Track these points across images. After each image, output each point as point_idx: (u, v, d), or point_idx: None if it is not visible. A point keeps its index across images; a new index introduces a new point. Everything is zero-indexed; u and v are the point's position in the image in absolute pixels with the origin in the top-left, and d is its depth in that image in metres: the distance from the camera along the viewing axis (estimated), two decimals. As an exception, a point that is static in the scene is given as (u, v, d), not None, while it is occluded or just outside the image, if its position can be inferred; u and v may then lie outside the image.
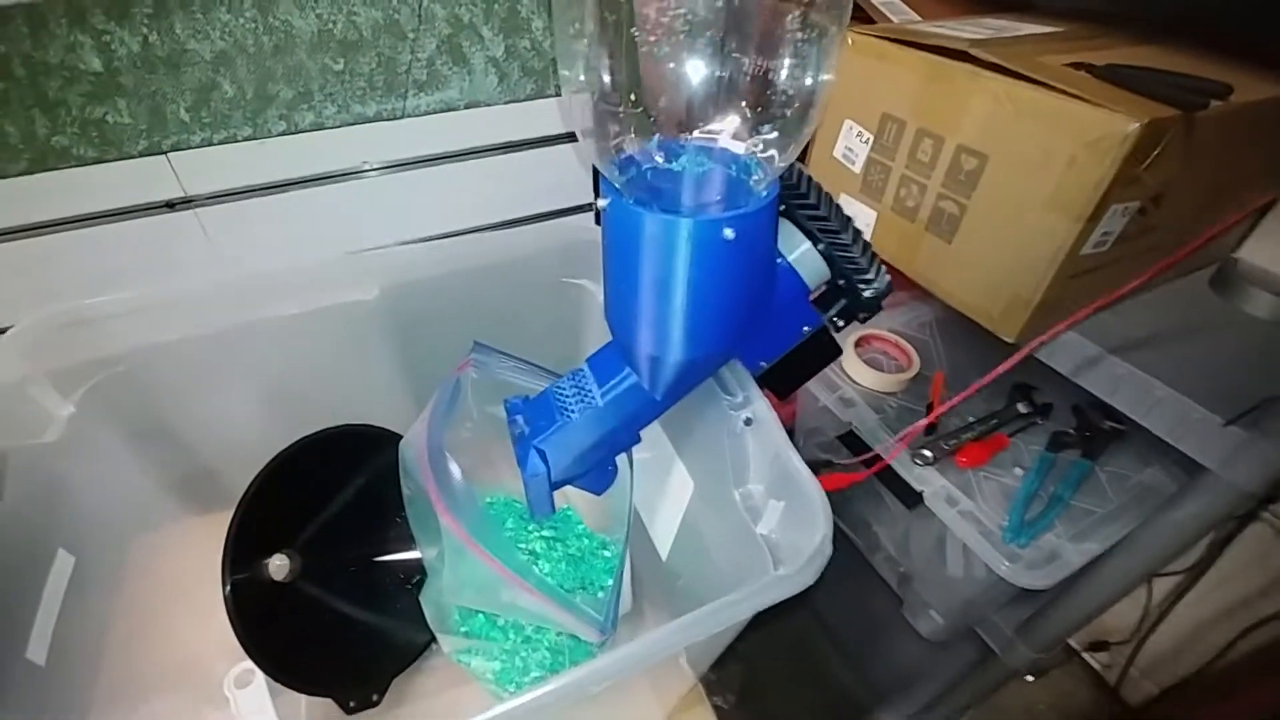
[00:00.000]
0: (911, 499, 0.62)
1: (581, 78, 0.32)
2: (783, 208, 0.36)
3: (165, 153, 0.49)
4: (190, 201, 0.52)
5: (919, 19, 0.67)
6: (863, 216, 0.66)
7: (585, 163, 0.33)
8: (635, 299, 0.32)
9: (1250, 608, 0.77)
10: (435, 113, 0.56)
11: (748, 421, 0.37)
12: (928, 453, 0.62)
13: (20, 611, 0.46)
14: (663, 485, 0.48)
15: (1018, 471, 0.63)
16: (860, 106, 0.60)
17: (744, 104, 0.31)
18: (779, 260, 0.35)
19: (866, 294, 0.36)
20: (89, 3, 0.43)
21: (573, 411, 0.36)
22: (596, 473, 0.39)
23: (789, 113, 0.31)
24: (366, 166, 0.56)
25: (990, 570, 0.56)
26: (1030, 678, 0.87)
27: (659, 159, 0.32)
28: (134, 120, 0.48)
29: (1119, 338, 0.54)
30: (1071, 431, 0.66)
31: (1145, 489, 0.62)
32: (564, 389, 0.38)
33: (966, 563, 0.68)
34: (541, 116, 0.59)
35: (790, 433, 0.77)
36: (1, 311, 0.51)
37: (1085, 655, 0.98)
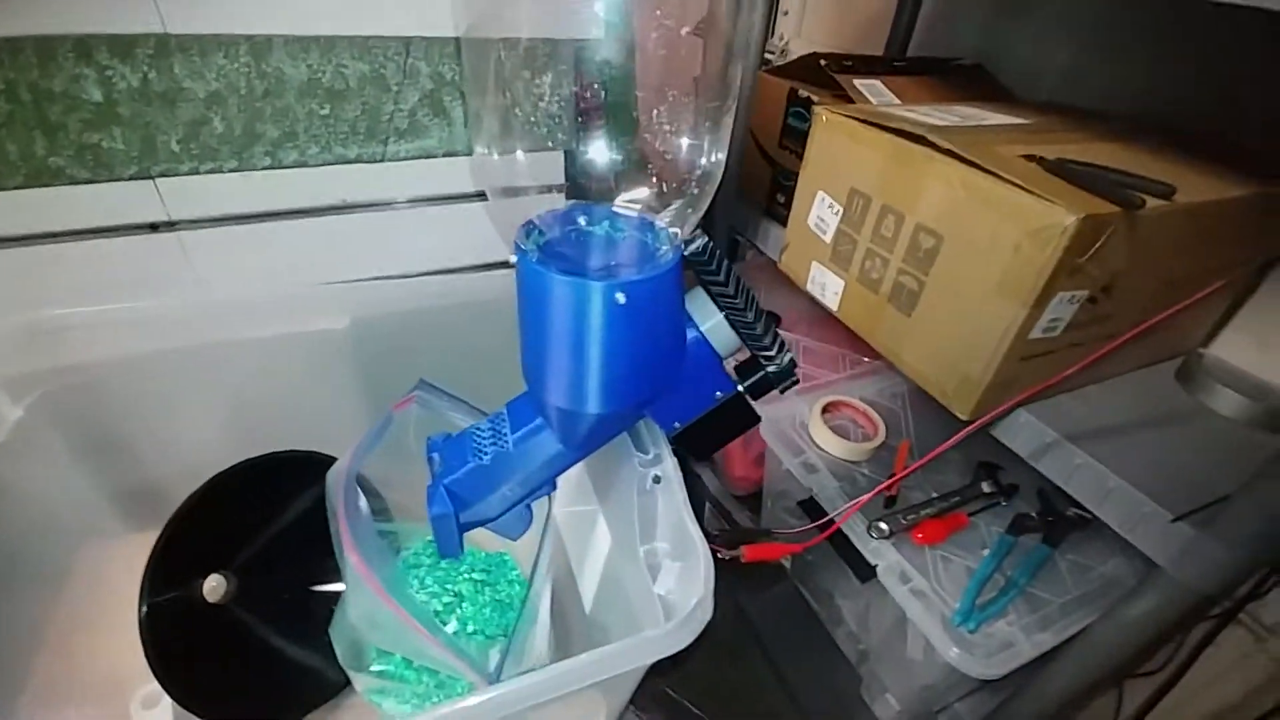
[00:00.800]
0: (865, 572, 0.61)
1: (495, 150, 0.33)
2: (699, 281, 0.37)
3: (153, 178, 0.52)
4: (173, 225, 0.55)
5: (897, 103, 0.70)
6: (831, 284, 0.67)
7: (495, 223, 0.35)
8: (543, 352, 0.33)
9: (1229, 717, 0.73)
10: (414, 159, 0.58)
11: (656, 479, 0.37)
12: (884, 525, 0.61)
13: None
14: (588, 537, 0.48)
15: (983, 553, 0.62)
16: (831, 180, 0.62)
17: (653, 177, 0.33)
18: (693, 330, 0.36)
19: (769, 369, 0.36)
20: (96, 40, 0.47)
21: (485, 454, 0.37)
22: (512, 517, 0.39)
23: (691, 188, 0.32)
24: (345, 204, 0.58)
25: (944, 655, 0.54)
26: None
27: (581, 221, 0.33)
28: (126, 147, 0.50)
29: (1078, 424, 0.54)
30: (1034, 515, 0.65)
31: (1107, 581, 0.61)
32: (481, 431, 0.38)
33: (926, 646, 0.66)
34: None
35: (758, 495, 0.76)
36: None
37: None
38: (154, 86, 0.49)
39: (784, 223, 0.71)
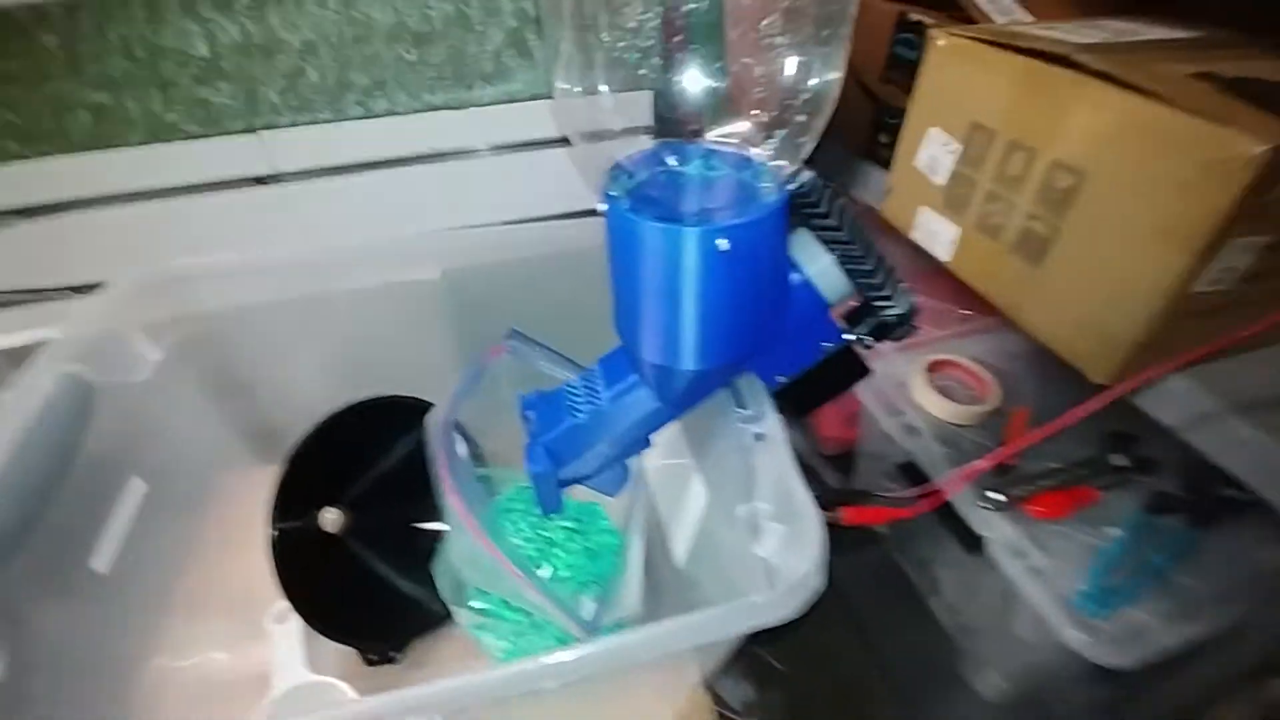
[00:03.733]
0: (972, 544, 0.57)
1: (578, 88, 0.31)
2: (802, 222, 0.34)
3: (257, 130, 0.54)
4: (278, 178, 0.57)
5: (1031, 20, 0.61)
6: (944, 232, 0.61)
7: (580, 169, 0.33)
8: (636, 306, 0.31)
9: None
10: (500, 103, 0.57)
11: (758, 437, 0.34)
12: (996, 495, 0.56)
13: (89, 526, 0.52)
14: (682, 493, 0.47)
15: (1109, 531, 0.56)
16: (948, 114, 0.55)
17: (750, 108, 0.29)
18: (797, 275, 0.33)
19: (887, 316, 0.32)
20: (198, -8, 0.48)
21: (580, 411, 0.36)
22: (609, 474, 0.39)
23: (797, 116, 0.28)
24: (434, 152, 0.58)
25: (1063, 637, 0.50)
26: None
27: (672, 162, 0.30)
28: (233, 101, 0.52)
29: (1241, 394, 0.46)
30: (1178, 494, 0.57)
31: (1264, 572, 0.53)
32: (575, 388, 0.38)
33: (1037, 625, 0.61)
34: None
35: (850, 455, 0.72)
36: (112, 268, 0.58)
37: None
38: (254, 38, 0.50)
39: (886, 165, 0.65)
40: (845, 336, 0.34)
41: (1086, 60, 0.43)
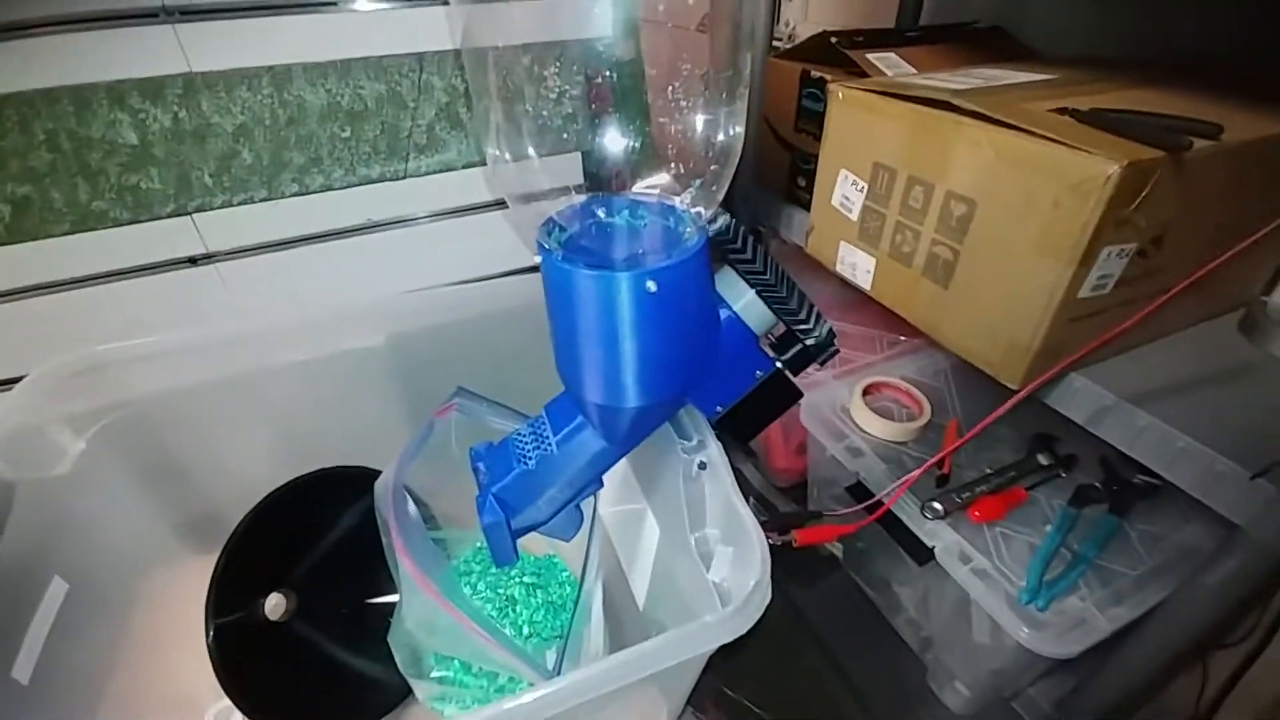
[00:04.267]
0: (922, 555, 0.59)
1: (508, 155, 0.34)
2: (725, 261, 0.36)
3: (190, 214, 0.54)
4: (211, 257, 0.56)
5: (914, 72, 0.68)
6: (862, 263, 0.65)
7: (516, 228, 0.35)
8: (576, 350, 0.33)
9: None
10: (436, 173, 0.59)
11: (702, 465, 0.36)
12: (938, 505, 0.59)
13: (8, 633, 0.49)
14: (637, 533, 0.48)
15: (1045, 528, 0.60)
16: (854, 157, 0.61)
17: (669, 162, 0.32)
18: (725, 310, 0.35)
19: (809, 343, 0.35)
20: (127, 85, 0.49)
21: (530, 459, 0.37)
22: (563, 518, 0.39)
23: (710, 166, 0.31)
24: (371, 223, 0.59)
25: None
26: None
27: (601, 214, 0.33)
28: (164, 186, 0.52)
29: (1138, 385, 0.51)
30: (1098, 486, 0.62)
31: (1183, 549, 0.58)
32: (523, 436, 0.38)
33: (994, 628, 0.63)
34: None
35: (803, 484, 0.75)
36: (40, 358, 0.56)
37: (1147, 738, 0.88)
38: (185, 125, 0.51)
39: (807, 207, 0.70)
40: (775, 364, 0.36)
41: (963, 103, 0.48)
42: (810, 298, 0.36)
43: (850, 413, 0.71)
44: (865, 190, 0.60)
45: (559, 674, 0.42)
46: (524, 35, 0.37)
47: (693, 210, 0.33)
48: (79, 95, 0.48)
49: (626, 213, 0.34)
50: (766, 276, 0.34)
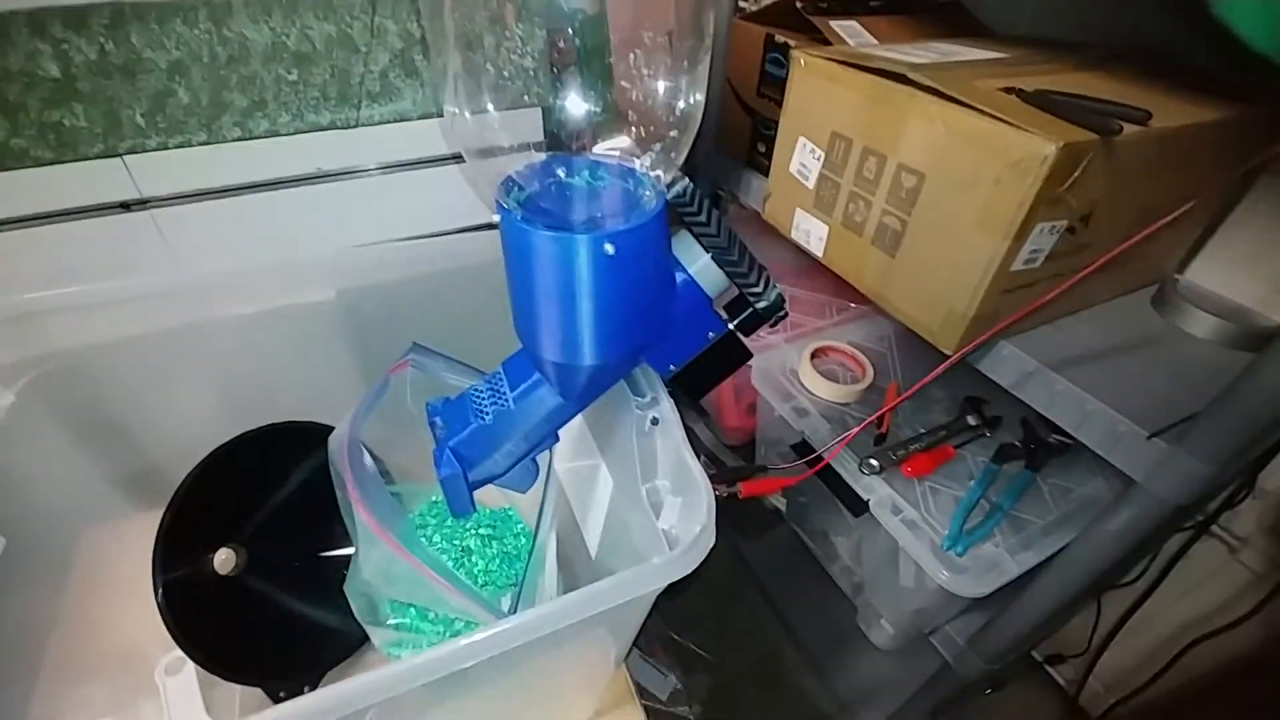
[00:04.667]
0: (858, 507, 0.63)
1: (467, 109, 0.33)
2: (682, 225, 0.37)
3: (121, 155, 0.51)
4: (146, 203, 0.54)
5: (875, 43, 0.69)
6: (816, 230, 0.67)
7: (473, 184, 0.35)
8: (534, 309, 0.33)
9: (1205, 624, 0.78)
10: (389, 122, 0.57)
11: (654, 421, 0.38)
12: (874, 462, 0.63)
13: None
14: (591, 486, 0.49)
15: (969, 482, 0.64)
16: (812, 125, 0.62)
17: (630, 125, 0.33)
18: (681, 273, 0.36)
19: (759, 306, 0.37)
20: (48, 13, 0.45)
21: (486, 414, 0.38)
22: (518, 471, 0.40)
23: (670, 132, 0.32)
24: (321, 173, 0.57)
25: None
26: (989, 690, 0.88)
27: (561, 174, 0.33)
28: (89, 124, 0.49)
29: (1058, 353, 0.55)
30: (1017, 444, 0.67)
31: (1087, 501, 0.63)
32: (480, 391, 0.39)
33: (918, 573, 0.69)
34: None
35: (751, 443, 0.78)
36: None
37: (1047, 668, 0.98)
38: (112, 59, 0.47)
39: (766, 172, 0.71)
40: (728, 326, 0.38)
41: (918, 78, 0.50)
42: (763, 263, 0.37)
43: (799, 375, 0.74)
44: (822, 159, 0.61)
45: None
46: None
47: (652, 174, 0.33)
48: (-6, 22, 0.44)
49: (587, 173, 0.34)
50: (721, 241, 0.35)
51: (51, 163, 0.49)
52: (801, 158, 0.65)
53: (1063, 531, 0.60)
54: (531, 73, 0.49)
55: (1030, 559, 0.57)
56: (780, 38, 0.71)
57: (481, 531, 0.57)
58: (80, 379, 0.57)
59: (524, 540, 0.58)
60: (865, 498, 0.62)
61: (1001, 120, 0.44)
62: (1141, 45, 0.65)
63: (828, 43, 0.68)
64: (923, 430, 0.68)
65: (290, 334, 0.61)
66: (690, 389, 0.41)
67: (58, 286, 0.54)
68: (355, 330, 0.61)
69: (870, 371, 0.74)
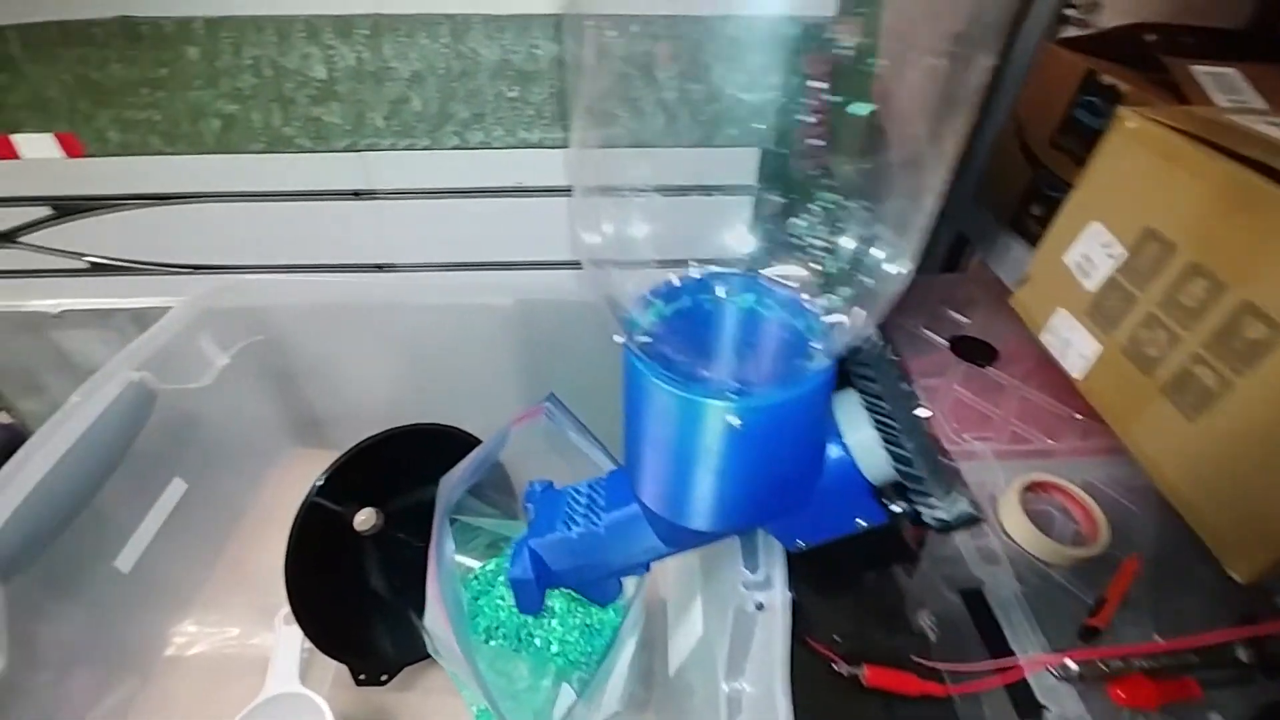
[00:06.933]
0: (1029, 708, 0.49)
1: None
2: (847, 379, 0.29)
3: (361, 151, 0.56)
4: (374, 194, 0.59)
5: (1262, 106, 0.49)
6: (1080, 345, 0.53)
7: (593, 292, 0.30)
8: (641, 453, 0.28)
9: None
10: (596, 147, 0.55)
11: (759, 606, 0.31)
12: (1072, 664, 0.48)
13: (122, 526, 0.56)
14: (685, 608, 0.44)
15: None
16: (1118, 210, 0.47)
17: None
18: (836, 444, 0.28)
19: (929, 521, 0.27)
20: (322, 20, 0.50)
21: (576, 523, 0.34)
22: (597, 587, 0.37)
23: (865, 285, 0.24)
24: (521, 187, 0.58)
25: None
26: None
27: (721, 292, 0.27)
28: (342, 121, 0.54)
29: None
30: (1311, 714, 0.47)
31: None
32: (578, 497, 0.35)
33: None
34: (705, 164, 0.56)
35: (914, 557, 0.63)
36: (227, 254, 0.64)
37: None
38: (366, 65, 0.52)
39: (1032, 242, 0.57)
40: (888, 518, 0.29)
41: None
42: (952, 460, 0.28)
43: (999, 506, 0.60)
44: (1120, 260, 0.46)
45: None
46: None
47: (830, 319, 0.26)
48: (281, 26, 0.50)
49: (751, 296, 0.28)
50: (899, 424, 0.27)
51: (310, 151, 0.56)
52: (1088, 248, 0.50)
53: None
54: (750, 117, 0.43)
55: None
56: (1107, 78, 0.53)
57: (572, 593, 0.56)
58: (283, 347, 0.65)
59: (611, 614, 0.55)
60: (1043, 704, 0.48)
61: None
62: None
63: (1181, 97, 0.50)
64: (1158, 638, 0.51)
65: (465, 331, 0.64)
66: (819, 576, 0.34)
67: (295, 251, 0.62)
68: (526, 344, 0.63)
69: (1104, 534, 0.57)
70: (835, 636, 0.43)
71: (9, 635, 0.42)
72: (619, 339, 0.28)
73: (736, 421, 0.24)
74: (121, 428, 0.52)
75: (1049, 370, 0.70)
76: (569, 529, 0.34)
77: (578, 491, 0.36)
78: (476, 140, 0.55)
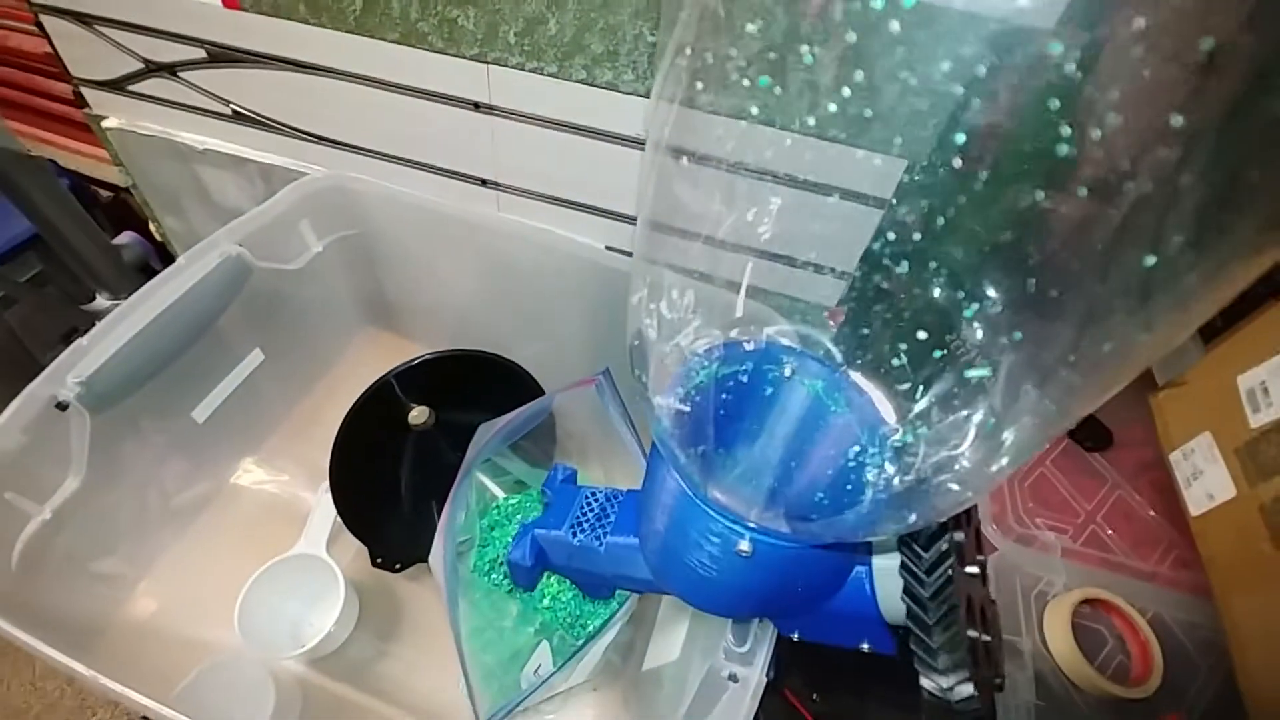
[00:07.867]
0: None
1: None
2: None
3: (488, 62, 0.54)
4: (492, 109, 0.57)
5: None
6: (1212, 480, 0.46)
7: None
8: (648, 511, 0.26)
9: None
10: (721, 115, 0.50)
11: (733, 678, 0.29)
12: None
13: (202, 385, 0.61)
14: (674, 619, 0.44)
15: None
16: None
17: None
18: (861, 563, 0.25)
19: (923, 685, 0.24)
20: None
21: (579, 533, 0.33)
22: (591, 587, 0.36)
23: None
24: (636, 136, 0.54)
25: None
26: None
27: (788, 370, 0.24)
28: (475, 28, 0.52)
29: None
30: None
31: None
32: (592, 501, 0.34)
33: None
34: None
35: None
36: (347, 130, 0.65)
37: None
38: (508, -26, 0.48)
39: (1206, 340, 0.50)
40: (895, 652, 0.26)
41: None
42: (987, 639, 0.24)
43: (1044, 614, 0.55)
44: None
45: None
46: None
47: (899, 440, 0.22)
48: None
49: (821, 385, 0.24)
50: (928, 583, 0.23)
51: (440, 52, 0.54)
52: (1273, 377, 0.42)
53: None
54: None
55: None
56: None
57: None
58: (376, 243, 0.68)
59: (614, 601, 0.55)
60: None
61: None
62: None
63: None
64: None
65: (549, 271, 0.63)
66: (807, 670, 0.31)
67: (406, 148, 0.63)
68: (603, 304, 0.62)
69: (1155, 679, 0.52)
70: (814, 695, 0.41)
71: (89, 458, 0.48)
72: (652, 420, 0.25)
73: (747, 548, 0.21)
74: (217, 294, 0.56)
75: (1164, 478, 0.62)
76: (573, 535, 0.33)
77: (593, 496, 0.35)
78: (604, 79, 0.51)
